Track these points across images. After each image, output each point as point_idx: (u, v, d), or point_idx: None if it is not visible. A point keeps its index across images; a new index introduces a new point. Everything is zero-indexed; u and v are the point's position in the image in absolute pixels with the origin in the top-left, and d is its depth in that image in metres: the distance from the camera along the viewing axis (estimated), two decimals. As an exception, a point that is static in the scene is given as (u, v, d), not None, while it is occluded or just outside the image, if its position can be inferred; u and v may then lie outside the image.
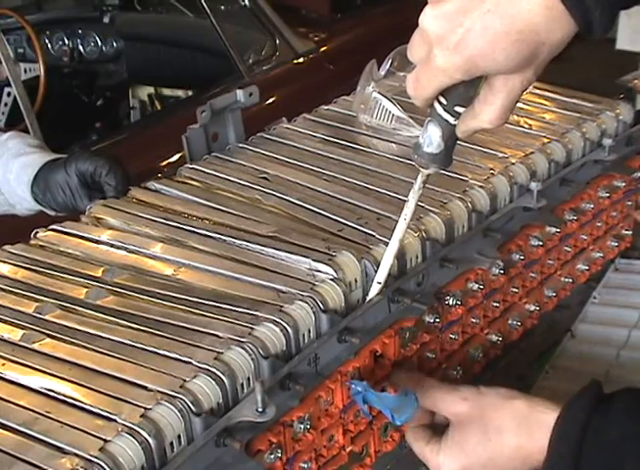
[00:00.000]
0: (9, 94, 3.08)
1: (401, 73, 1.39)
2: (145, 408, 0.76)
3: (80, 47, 3.47)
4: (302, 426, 0.85)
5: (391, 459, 1.03)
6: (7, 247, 1.05)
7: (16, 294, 0.96)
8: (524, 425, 0.86)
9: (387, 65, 1.38)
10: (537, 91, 1.46)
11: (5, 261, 1.02)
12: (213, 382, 0.80)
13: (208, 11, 2.90)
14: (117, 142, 2.64)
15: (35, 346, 0.86)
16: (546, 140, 1.28)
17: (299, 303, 0.89)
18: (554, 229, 1.19)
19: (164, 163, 2.41)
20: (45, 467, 0.72)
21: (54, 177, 1.24)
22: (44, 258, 1.02)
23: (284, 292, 0.92)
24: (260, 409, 0.78)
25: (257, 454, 0.82)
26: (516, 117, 1.35)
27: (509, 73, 0.71)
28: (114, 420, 0.75)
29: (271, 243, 1.00)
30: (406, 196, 0.89)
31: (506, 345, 1.17)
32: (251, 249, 1.00)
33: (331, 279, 0.93)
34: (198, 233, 1.04)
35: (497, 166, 1.19)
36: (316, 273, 0.95)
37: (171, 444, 0.76)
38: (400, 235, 0.92)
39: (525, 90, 0.73)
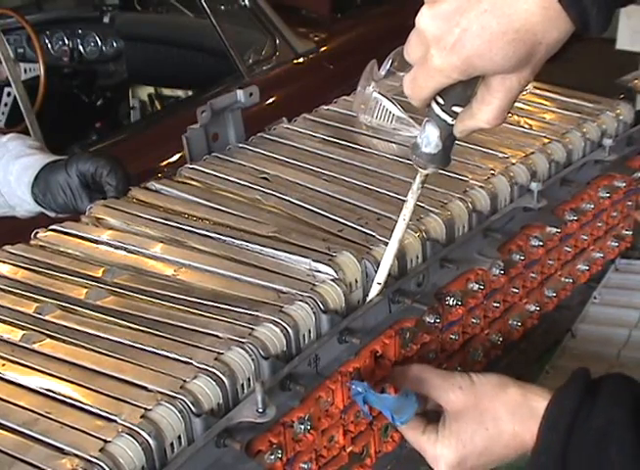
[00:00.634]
0: (9, 94, 3.08)
1: (401, 73, 1.38)
2: (145, 409, 0.76)
3: (80, 47, 3.47)
4: (303, 426, 0.85)
5: (392, 460, 1.03)
6: (7, 247, 1.05)
7: (16, 294, 0.96)
8: (518, 414, 0.87)
9: (387, 65, 1.37)
10: (537, 91, 1.46)
11: (5, 262, 1.02)
12: (214, 382, 0.80)
13: (208, 11, 2.90)
14: (117, 142, 2.64)
15: (35, 346, 0.86)
16: (546, 140, 1.28)
17: (300, 303, 0.89)
18: (554, 229, 1.19)
19: (164, 163, 2.41)
20: (45, 467, 0.72)
21: (54, 178, 1.24)
22: (44, 259, 1.02)
23: (284, 292, 0.92)
24: (261, 410, 0.78)
25: (258, 455, 0.82)
26: (516, 118, 1.35)
27: (506, 73, 0.71)
28: (115, 421, 0.75)
29: (271, 243, 1.00)
30: (406, 196, 0.89)
31: (506, 345, 1.17)
32: (250, 249, 1.00)
33: (331, 279, 0.93)
34: (198, 233, 1.04)
35: (497, 167, 1.19)
36: (316, 274, 0.95)
37: (171, 444, 0.76)
38: (400, 235, 0.92)
39: (523, 90, 0.73)
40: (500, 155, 1.23)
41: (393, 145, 1.28)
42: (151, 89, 3.41)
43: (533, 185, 1.15)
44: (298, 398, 0.85)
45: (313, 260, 0.96)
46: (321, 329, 0.90)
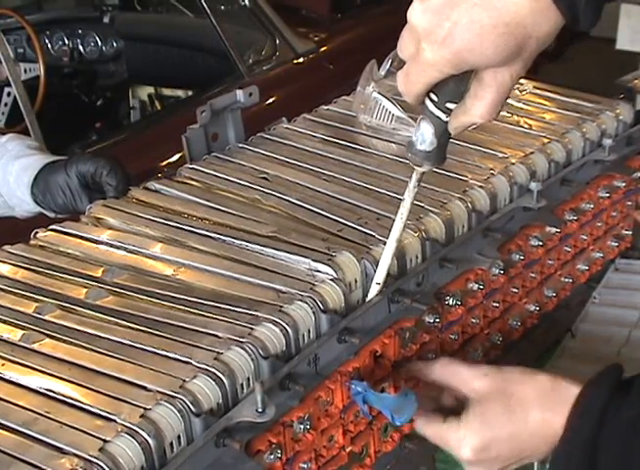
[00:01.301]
0: (9, 94, 3.08)
1: (401, 73, 1.39)
2: (144, 409, 0.76)
3: (80, 47, 3.47)
4: (302, 426, 0.85)
5: (391, 459, 1.02)
6: (7, 247, 1.05)
7: (15, 294, 0.96)
8: (549, 400, 0.84)
9: (387, 65, 1.37)
10: (537, 91, 1.46)
11: (5, 261, 1.02)
12: (213, 382, 0.80)
13: (208, 11, 2.91)
14: (117, 142, 2.65)
15: (35, 346, 0.86)
16: (546, 140, 1.28)
17: (299, 303, 0.89)
18: (554, 229, 1.19)
19: (164, 163, 2.41)
20: (44, 467, 0.72)
21: (54, 178, 1.24)
22: (44, 259, 1.02)
23: (283, 292, 0.92)
24: (260, 410, 0.78)
25: (257, 455, 0.82)
26: (516, 118, 1.35)
27: (497, 67, 0.71)
28: (114, 420, 0.75)
29: (271, 243, 1.00)
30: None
31: (506, 345, 1.17)
32: (250, 249, 1.00)
33: (331, 279, 0.93)
34: (197, 233, 1.04)
35: (497, 167, 1.19)
36: (316, 273, 0.95)
37: (171, 444, 0.76)
38: (398, 234, 0.92)
39: (515, 83, 0.73)
40: (500, 155, 1.23)
41: (393, 145, 1.28)
42: (151, 89, 3.42)
43: (533, 185, 1.15)
44: (298, 397, 0.85)
45: (313, 260, 0.96)
46: (320, 329, 0.90)
